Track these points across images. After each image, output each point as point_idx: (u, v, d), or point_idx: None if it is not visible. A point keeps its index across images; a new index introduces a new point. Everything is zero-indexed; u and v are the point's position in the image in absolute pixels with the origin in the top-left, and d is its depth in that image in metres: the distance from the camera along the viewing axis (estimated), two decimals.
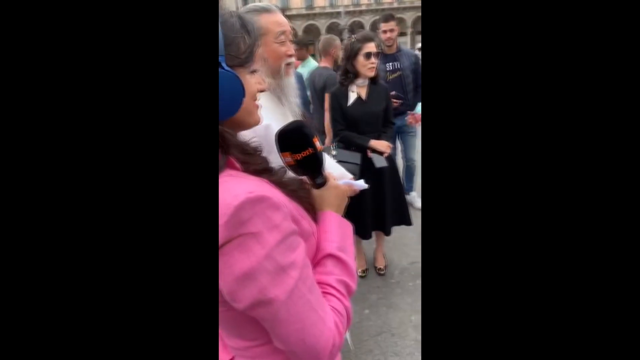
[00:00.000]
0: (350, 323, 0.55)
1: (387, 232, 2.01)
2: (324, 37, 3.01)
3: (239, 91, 0.50)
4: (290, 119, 0.95)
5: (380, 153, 1.78)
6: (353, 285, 0.57)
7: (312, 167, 0.61)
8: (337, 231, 0.60)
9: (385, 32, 2.57)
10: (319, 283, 0.53)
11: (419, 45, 8.09)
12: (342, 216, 0.65)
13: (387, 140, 1.82)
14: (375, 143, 1.77)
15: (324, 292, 0.52)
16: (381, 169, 1.77)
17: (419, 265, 2.19)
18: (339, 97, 1.80)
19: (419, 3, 35.06)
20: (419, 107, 2.15)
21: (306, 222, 0.55)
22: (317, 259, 0.57)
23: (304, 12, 34.84)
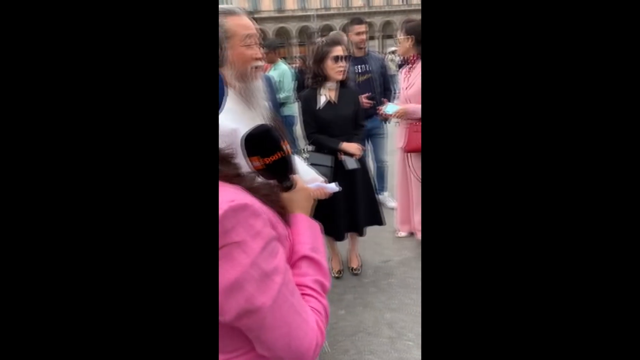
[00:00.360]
0: (328, 320, 0.56)
1: (361, 233, 2.04)
2: (332, 33, 3.06)
3: (223, 91, 0.52)
4: (259, 122, 0.95)
5: (351, 155, 1.80)
6: (327, 284, 0.59)
7: (282, 171, 0.61)
8: (309, 232, 0.61)
9: (359, 33, 2.62)
10: (297, 285, 0.54)
11: (392, 48, 8.31)
12: (311, 217, 0.66)
13: (357, 142, 1.85)
14: (346, 145, 1.80)
15: (302, 294, 0.53)
16: (353, 170, 1.80)
17: (392, 263, 2.24)
18: (310, 100, 1.82)
19: (388, 8, 35.91)
20: (388, 108, 2.20)
21: (281, 226, 0.56)
22: (292, 262, 0.58)
23: (274, 14, 34.71)
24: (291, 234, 0.60)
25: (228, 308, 0.45)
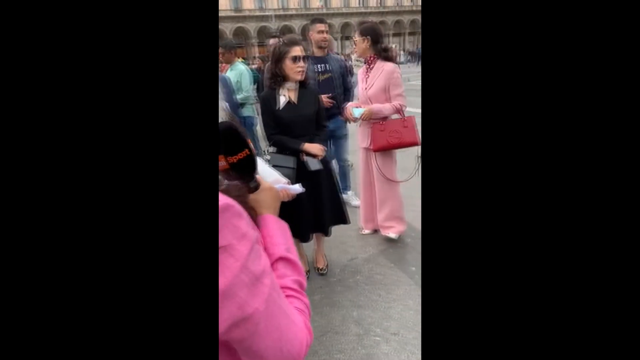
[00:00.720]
0: (310, 316, 0.56)
1: (327, 233, 2.04)
2: (289, 35, 3.09)
3: None
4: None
5: (314, 156, 1.80)
6: (304, 282, 0.58)
7: (248, 170, 0.59)
8: (280, 233, 0.60)
9: (320, 32, 2.63)
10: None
11: (353, 50, 8.42)
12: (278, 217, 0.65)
13: (320, 143, 1.85)
14: (308, 146, 1.79)
15: (285, 296, 0.52)
16: (316, 171, 1.79)
17: (358, 261, 2.27)
18: (269, 101, 1.79)
19: (346, 10, 36.51)
20: (355, 112, 2.23)
21: (256, 228, 0.54)
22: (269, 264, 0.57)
23: (232, 14, 33.96)
24: (262, 235, 0.58)
25: (220, 319, 0.41)
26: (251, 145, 0.57)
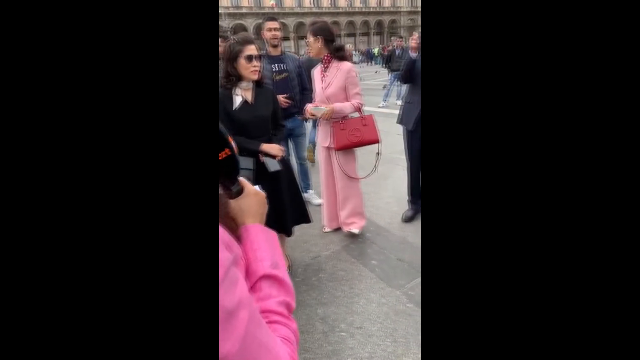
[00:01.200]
0: (298, 343, 0.50)
1: (289, 233, 2.03)
2: (242, 33, 3.08)
3: None
4: None
5: (273, 156, 1.78)
6: (293, 302, 0.51)
7: (230, 172, 0.52)
8: (266, 246, 0.53)
9: (270, 30, 2.59)
10: (261, 312, 0.46)
11: (307, 51, 8.38)
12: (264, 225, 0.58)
13: (278, 143, 1.84)
14: (266, 147, 1.77)
15: (268, 322, 0.46)
16: (276, 172, 1.78)
17: (321, 258, 2.29)
18: (223, 101, 1.74)
19: (299, 9, 36.51)
20: (316, 110, 2.23)
21: (234, 245, 0.47)
22: (250, 284, 0.49)
23: None
24: (245, 250, 0.51)
25: None
26: (233, 144, 0.50)
